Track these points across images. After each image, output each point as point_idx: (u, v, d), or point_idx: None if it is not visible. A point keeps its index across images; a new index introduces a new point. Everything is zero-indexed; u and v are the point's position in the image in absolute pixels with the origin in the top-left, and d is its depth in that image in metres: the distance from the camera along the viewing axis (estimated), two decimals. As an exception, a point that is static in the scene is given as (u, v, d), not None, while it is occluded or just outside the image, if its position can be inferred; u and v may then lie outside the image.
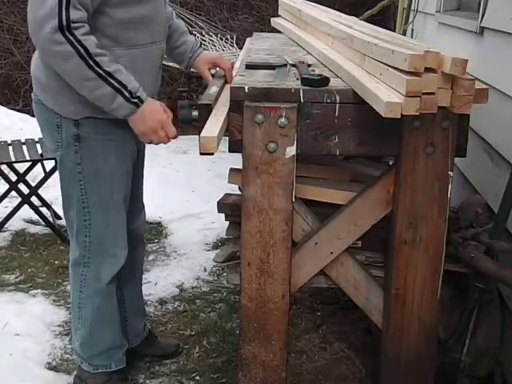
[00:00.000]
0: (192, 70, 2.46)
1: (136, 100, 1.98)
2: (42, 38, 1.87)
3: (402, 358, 2.11)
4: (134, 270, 2.55)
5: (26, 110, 6.12)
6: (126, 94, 1.95)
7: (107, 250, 2.27)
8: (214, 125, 1.81)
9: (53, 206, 4.07)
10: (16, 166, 3.83)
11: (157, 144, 2.10)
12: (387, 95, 1.65)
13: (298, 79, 2.02)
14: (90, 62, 1.88)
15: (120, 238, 2.28)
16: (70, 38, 1.85)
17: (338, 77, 2.04)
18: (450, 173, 1.95)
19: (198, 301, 3.16)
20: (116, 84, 1.93)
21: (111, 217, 2.23)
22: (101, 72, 1.90)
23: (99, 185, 2.18)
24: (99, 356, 2.39)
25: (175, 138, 2.10)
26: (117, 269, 2.30)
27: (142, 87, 2.02)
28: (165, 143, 2.10)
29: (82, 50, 1.86)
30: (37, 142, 4.03)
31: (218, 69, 2.37)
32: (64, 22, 1.84)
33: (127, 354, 2.62)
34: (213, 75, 2.37)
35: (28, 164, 3.88)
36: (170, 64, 2.38)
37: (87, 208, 2.21)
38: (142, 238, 2.59)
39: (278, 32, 3.38)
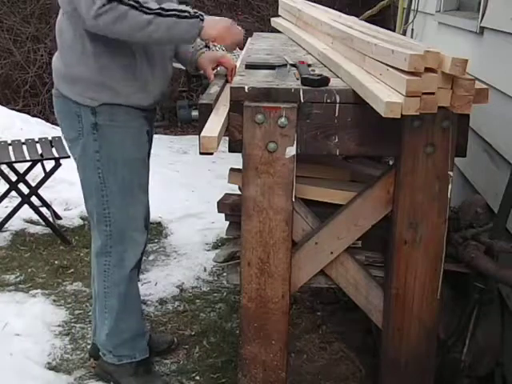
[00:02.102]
0: (193, 70, 2.47)
1: (197, 14, 2.07)
2: (97, 13, 1.97)
3: (401, 358, 2.11)
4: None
5: (26, 110, 6.14)
6: (186, 14, 2.05)
7: (128, 237, 2.33)
8: (215, 124, 1.81)
9: (53, 206, 4.08)
10: (16, 165, 3.84)
11: (232, 48, 2.26)
12: (387, 95, 1.65)
13: (297, 79, 2.02)
14: (144, 10, 2.00)
15: (139, 223, 2.35)
16: (116, 1, 1.98)
17: (338, 77, 2.04)
18: (450, 173, 1.95)
19: (197, 301, 3.16)
20: (173, 13, 2.03)
21: (130, 204, 2.30)
22: (155, 12, 2.00)
23: (117, 172, 2.25)
24: (125, 345, 2.45)
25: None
26: (139, 254, 2.37)
27: (153, 77, 2.16)
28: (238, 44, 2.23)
29: (134, 3, 1.98)
30: (37, 142, 4.03)
31: (219, 68, 2.37)
32: None
33: None
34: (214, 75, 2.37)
35: (28, 164, 3.88)
36: (174, 65, 2.39)
37: (106, 196, 2.27)
38: (147, 237, 2.59)
39: (278, 32, 3.38)
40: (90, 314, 2.99)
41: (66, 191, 4.34)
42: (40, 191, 3.92)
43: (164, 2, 2.06)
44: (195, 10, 2.08)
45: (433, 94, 1.63)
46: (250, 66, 2.24)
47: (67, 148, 2.39)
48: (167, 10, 2.02)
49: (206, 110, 1.91)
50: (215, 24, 2.10)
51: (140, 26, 2.00)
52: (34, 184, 3.91)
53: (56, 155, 3.85)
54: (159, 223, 4.04)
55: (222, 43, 2.20)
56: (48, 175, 3.82)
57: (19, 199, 3.85)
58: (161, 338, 2.79)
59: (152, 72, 2.21)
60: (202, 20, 2.07)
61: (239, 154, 1.96)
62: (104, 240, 2.33)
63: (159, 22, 2.01)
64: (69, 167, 4.24)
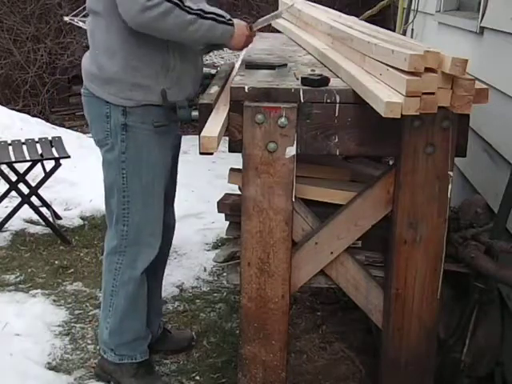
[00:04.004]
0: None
1: (230, 21, 2.16)
2: (143, 7, 2.00)
3: (401, 358, 2.11)
4: (161, 265, 2.61)
5: (26, 110, 6.14)
6: (223, 19, 2.14)
7: (143, 240, 2.34)
8: (215, 124, 1.81)
9: (53, 206, 4.07)
10: (16, 165, 3.84)
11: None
12: (387, 95, 1.65)
13: (297, 79, 2.02)
14: (186, 9, 2.06)
15: (156, 228, 2.36)
16: None
17: (338, 77, 2.04)
18: (450, 173, 1.95)
19: (197, 301, 3.16)
20: (211, 16, 2.11)
21: (149, 207, 2.31)
22: (197, 12, 2.07)
23: (141, 174, 2.26)
24: (126, 345, 2.45)
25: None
26: (151, 258, 2.37)
27: (186, 73, 2.22)
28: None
29: (178, 1, 2.04)
30: (37, 142, 4.03)
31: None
32: None
33: None
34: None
35: (28, 164, 3.88)
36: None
37: (127, 197, 2.29)
38: (172, 236, 2.63)
39: (278, 32, 3.38)
40: (90, 314, 3.00)
41: (66, 191, 4.34)
42: (40, 191, 3.92)
43: (197, 3, 2.11)
44: (229, 16, 2.17)
45: (433, 94, 1.63)
46: (250, 66, 2.25)
47: (98, 149, 2.37)
48: (206, 13, 2.09)
49: (206, 110, 1.91)
50: (240, 34, 2.19)
51: (183, 24, 2.05)
52: (34, 184, 3.91)
53: (56, 155, 3.85)
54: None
55: (237, 50, 2.34)
56: (48, 175, 3.82)
57: (19, 199, 3.85)
58: (181, 334, 2.80)
59: (185, 68, 2.22)
60: (234, 26, 2.16)
61: (239, 154, 1.96)
62: (119, 240, 2.35)
63: (200, 23, 2.07)
64: (69, 167, 4.27)
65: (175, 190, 2.59)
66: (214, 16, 2.11)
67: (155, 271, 2.58)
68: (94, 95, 2.22)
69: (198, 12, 2.07)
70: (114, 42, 2.14)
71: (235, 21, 2.19)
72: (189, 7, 2.05)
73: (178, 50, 2.18)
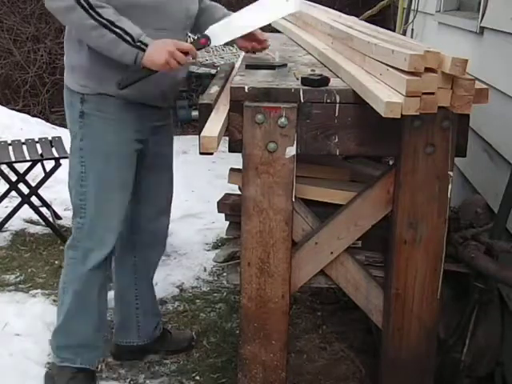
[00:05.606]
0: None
1: (139, 44, 2.02)
2: None
3: (401, 358, 2.11)
4: (147, 268, 2.59)
5: (26, 110, 6.14)
6: (129, 39, 2.01)
7: (97, 234, 2.26)
8: (215, 124, 1.81)
9: (53, 206, 4.07)
10: (16, 165, 3.84)
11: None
12: (387, 95, 1.65)
13: (297, 79, 2.02)
14: (91, 12, 1.99)
15: (112, 224, 2.28)
16: None
17: (338, 77, 2.04)
18: (450, 173, 1.95)
19: (198, 301, 3.16)
20: (118, 31, 2.01)
21: (105, 200, 2.25)
22: (102, 21, 2.00)
23: (96, 164, 2.22)
24: (69, 349, 2.36)
25: (193, 58, 2.13)
26: (103, 255, 2.27)
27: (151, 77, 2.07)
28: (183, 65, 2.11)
29: (84, 3, 1.99)
30: (37, 142, 4.03)
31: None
32: None
33: (135, 352, 2.64)
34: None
35: (28, 164, 3.88)
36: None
37: (84, 187, 2.24)
38: (162, 240, 2.61)
39: (278, 32, 3.38)
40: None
41: (66, 191, 4.28)
42: (40, 191, 3.92)
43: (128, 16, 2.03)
44: (142, 39, 2.01)
45: (433, 94, 1.63)
46: (250, 66, 2.24)
47: None
48: (115, 26, 2.00)
49: (206, 110, 1.90)
50: (155, 59, 2.01)
51: (85, 27, 2.01)
52: (34, 184, 3.91)
53: (56, 155, 3.85)
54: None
55: (168, 71, 2.08)
56: (48, 175, 3.82)
57: (19, 199, 3.85)
58: (181, 334, 2.79)
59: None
60: (144, 50, 2.01)
61: (239, 154, 1.96)
62: (75, 233, 2.29)
63: (103, 33, 2.00)
64: (69, 167, 4.27)
65: (167, 194, 2.52)
66: (121, 32, 2.00)
67: (148, 274, 2.59)
68: (66, 85, 2.24)
69: (105, 22, 1.99)
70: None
71: (158, 42, 2.02)
72: (97, 13, 1.99)
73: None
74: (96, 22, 1.99)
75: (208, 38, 2.12)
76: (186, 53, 2.05)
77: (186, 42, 2.28)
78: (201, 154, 1.75)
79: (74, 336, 2.36)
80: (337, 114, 1.92)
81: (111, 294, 2.68)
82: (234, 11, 2.30)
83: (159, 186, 2.48)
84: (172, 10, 2.17)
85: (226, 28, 2.19)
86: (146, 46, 2.02)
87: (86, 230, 2.27)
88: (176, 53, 2.02)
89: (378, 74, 1.82)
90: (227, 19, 2.25)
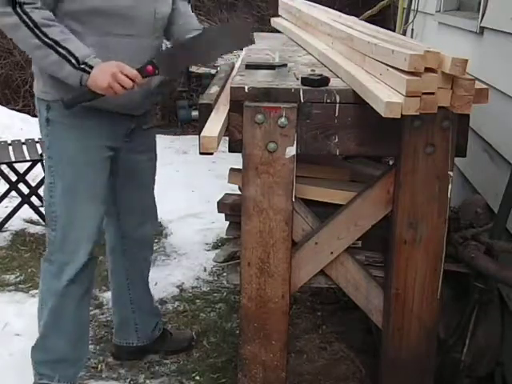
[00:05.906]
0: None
1: (83, 66, 1.96)
2: None
3: (401, 358, 2.11)
4: (141, 270, 2.58)
5: (26, 110, 6.13)
6: (73, 60, 1.96)
7: (69, 247, 2.20)
8: (215, 124, 1.81)
9: (53, 206, 4.07)
10: (16, 165, 3.84)
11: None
12: (387, 95, 1.65)
13: (297, 79, 2.02)
14: (37, 32, 1.95)
15: (84, 235, 2.20)
16: (18, 10, 1.94)
17: (338, 77, 2.04)
18: (450, 173, 1.95)
19: (198, 301, 3.16)
20: (63, 52, 1.96)
21: (75, 210, 2.18)
22: (47, 41, 1.95)
23: (64, 173, 2.16)
24: (47, 364, 2.30)
25: (139, 82, 2.00)
26: (77, 268, 2.20)
27: None
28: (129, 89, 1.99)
29: (29, 21, 1.94)
30: (37, 142, 4.03)
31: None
32: None
33: (135, 352, 2.64)
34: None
35: (28, 164, 3.88)
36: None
37: (53, 198, 2.19)
38: (148, 246, 2.60)
39: (278, 32, 3.38)
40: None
41: (66, 191, 4.33)
42: (40, 191, 3.91)
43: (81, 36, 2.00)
44: (87, 61, 1.95)
45: (433, 94, 1.63)
46: (250, 66, 2.24)
47: None
48: (60, 46, 1.95)
49: (206, 110, 1.90)
50: (99, 81, 1.95)
51: (30, 45, 1.98)
52: (34, 184, 3.91)
53: (56, 155, 3.85)
54: (159, 223, 4.03)
55: (111, 95, 1.99)
56: (48, 175, 3.81)
57: (19, 199, 3.85)
58: (181, 334, 2.79)
59: None
60: (88, 73, 1.95)
61: (239, 154, 1.96)
62: (49, 246, 2.24)
63: (48, 53, 1.95)
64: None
65: (147, 200, 2.48)
66: (65, 53, 1.94)
67: (141, 275, 2.58)
68: (34, 92, 2.20)
69: (50, 42, 1.94)
70: None
71: (102, 64, 1.96)
72: (42, 32, 1.94)
73: (106, 51, 2.03)
74: (40, 41, 1.94)
75: (156, 67, 2.01)
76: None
77: (161, 47, 2.26)
78: (201, 153, 1.74)
79: (51, 351, 2.29)
80: (337, 114, 1.92)
81: (110, 295, 2.70)
82: (213, 20, 2.29)
83: (140, 194, 2.43)
84: (138, 14, 2.09)
85: (174, 61, 2.09)
86: (91, 68, 1.95)
87: (58, 243, 2.21)
88: (119, 76, 1.94)
89: (378, 74, 1.82)
90: (179, 46, 2.18)
